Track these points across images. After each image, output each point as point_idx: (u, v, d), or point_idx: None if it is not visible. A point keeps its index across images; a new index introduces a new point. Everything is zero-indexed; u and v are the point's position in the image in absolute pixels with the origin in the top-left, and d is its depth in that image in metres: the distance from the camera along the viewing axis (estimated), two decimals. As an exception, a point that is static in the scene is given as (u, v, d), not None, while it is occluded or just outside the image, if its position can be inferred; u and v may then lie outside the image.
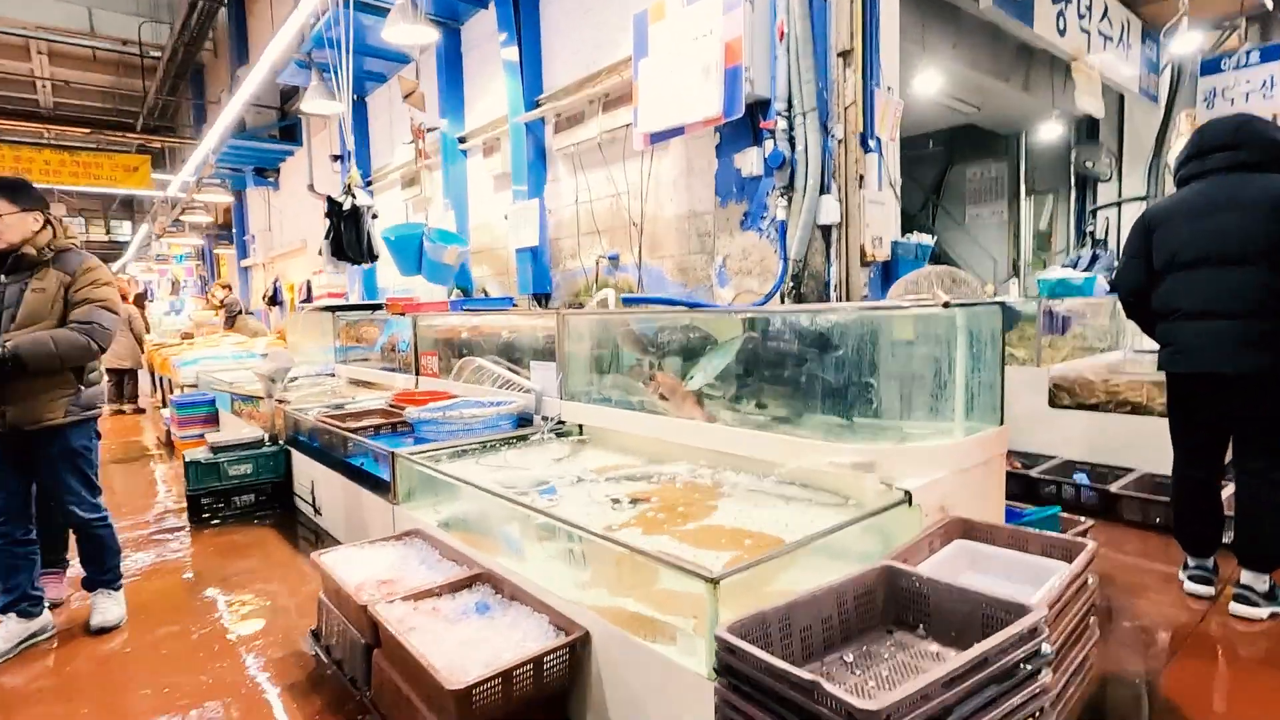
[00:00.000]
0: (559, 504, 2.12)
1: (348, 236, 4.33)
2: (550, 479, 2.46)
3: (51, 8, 14.21)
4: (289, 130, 9.38)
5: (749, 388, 2.61)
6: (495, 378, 3.85)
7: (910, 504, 1.65)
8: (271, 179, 10.34)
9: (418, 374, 4.63)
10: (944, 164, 6.96)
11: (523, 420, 3.34)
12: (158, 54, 13.14)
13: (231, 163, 10.02)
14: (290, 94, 9.21)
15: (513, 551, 2.14)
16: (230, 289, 10.20)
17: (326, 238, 4.44)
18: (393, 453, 2.81)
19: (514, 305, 5.16)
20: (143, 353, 8.67)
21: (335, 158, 8.52)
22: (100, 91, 16.16)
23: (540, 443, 3.14)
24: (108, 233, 25.47)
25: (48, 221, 2.26)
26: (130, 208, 22.69)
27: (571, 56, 4.35)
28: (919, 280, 2.88)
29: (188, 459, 3.95)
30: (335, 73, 4.57)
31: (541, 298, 4.81)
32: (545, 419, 3.33)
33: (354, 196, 4.37)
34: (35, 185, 2.42)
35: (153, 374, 7.77)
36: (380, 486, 2.91)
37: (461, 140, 5.60)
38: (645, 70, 3.36)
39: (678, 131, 3.27)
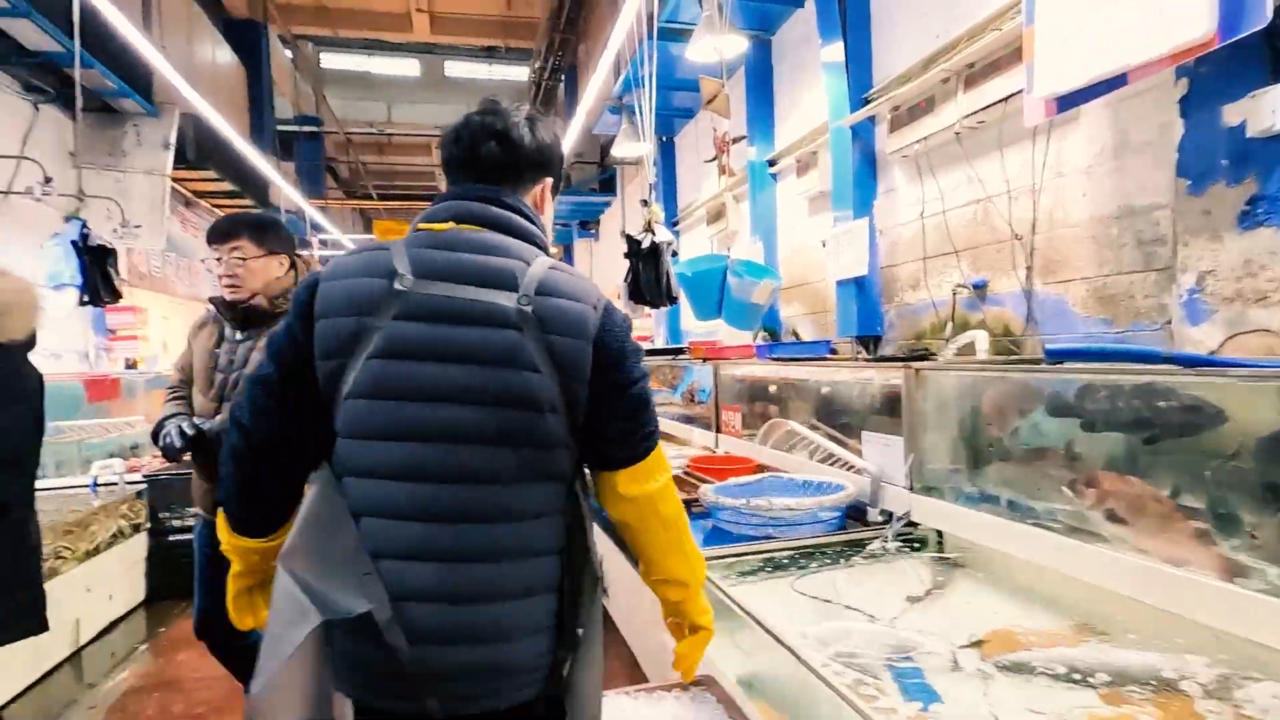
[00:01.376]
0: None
1: (645, 277, 3.91)
2: (910, 643, 1.50)
3: (443, 110, 17.68)
4: (607, 182, 9.89)
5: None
6: (812, 447, 2.97)
7: None
8: (593, 230, 11.05)
9: (718, 430, 3.97)
10: None
11: (853, 511, 2.38)
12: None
13: (561, 218, 10.96)
14: (609, 146, 9.72)
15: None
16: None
17: (625, 280, 4.08)
18: None
19: (831, 351, 4.25)
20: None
21: (643, 202, 8.66)
22: (475, 172, 19.55)
23: (883, 558, 2.15)
24: (480, 288, 31.09)
25: (293, 264, 1.97)
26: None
27: (912, 32, 3.38)
28: None
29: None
30: (640, 110, 4.26)
31: (869, 341, 3.82)
32: (885, 515, 2.33)
33: (652, 233, 3.95)
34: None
35: None
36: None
37: (771, 163, 4.94)
38: (1047, 5, 2.25)
39: (1110, 85, 2.08)
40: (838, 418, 3.00)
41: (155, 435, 1.93)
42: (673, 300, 3.97)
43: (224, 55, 9.08)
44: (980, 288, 2.98)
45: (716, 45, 3.71)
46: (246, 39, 9.77)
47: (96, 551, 3.21)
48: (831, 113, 3.86)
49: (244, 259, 1.92)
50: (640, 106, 4.23)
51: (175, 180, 7.46)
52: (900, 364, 2.46)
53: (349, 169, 17.35)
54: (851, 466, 2.70)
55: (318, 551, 0.96)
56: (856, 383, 2.93)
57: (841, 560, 2.18)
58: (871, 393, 2.77)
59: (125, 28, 3.93)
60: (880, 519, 2.52)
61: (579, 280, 1.03)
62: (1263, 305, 1.93)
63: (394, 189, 18.18)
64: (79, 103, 4.33)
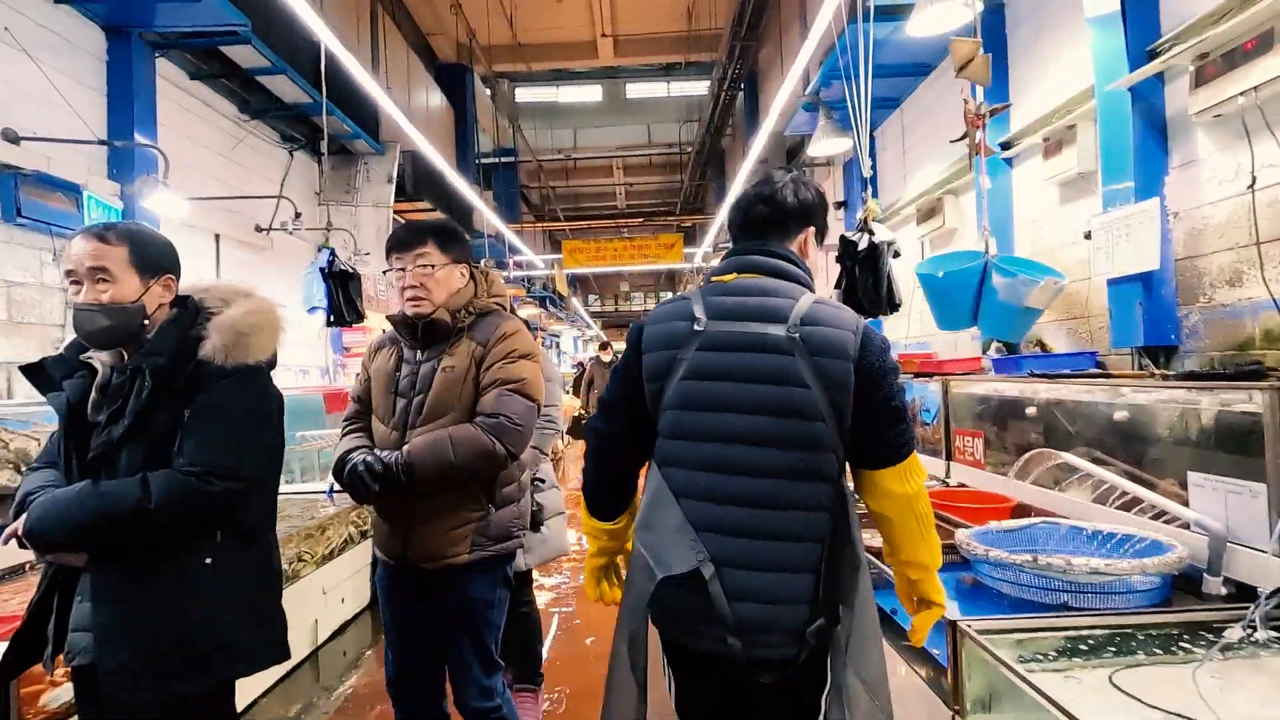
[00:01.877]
0: None
1: (863, 282, 3.46)
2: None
3: (623, 131, 18.22)
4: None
5: None
6: (1102, 489, 2.37)
7: None
8: (776, 238, 10.62)
9: (949, 458, 3.41)
10: None
11: (1180, 581, 1.82)
12: (691, 149, 15.42)
13: (743, 228, 10.66)
14: (795, 151, 9.24)
15: None
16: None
17: (838, 286, 3.66)
18: (953, 623, 1.67)
19: (1098, 365, 3.49)
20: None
21: (839, 204, 8.06)
22: (654, 190, 20.03)
23: (1243, 650, 1.58)
24: (658, 301, 31.75)
25: (472, 275, 1.80)
26: (672, 281, 27.34)
27: (1223, -41, 2.63)
28: None
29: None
30: (849, 98, 3.84)
31: (1157, 353, 3.05)
32: (1230, 588, 1.75)
33: (871, 233, 3.49)
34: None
35: None
36: (929, 665, 1.78)
37: (1005, 146, 4.24)
38: None
39: None
40: (1138, 452, 2.36)
41: (338, 471, 1.70)
42: (895, 308, 3.48)
43: (435, 97, 9.95)
44: (1358, 279, 2.19)
45: (947, 11, 3.20)
46: (454, 80, 10.68)
47: (331, 556, 3.42)
48: (1101, 74, 3.16)
49: (431, 266, 1.75)
50: (851, 95, 3.81)
51: (395, 211, 8.26)
52: (1255, 382, 1.83)
53: (539, 194, 18.48)
54: (1165, 516, 2.07)
55: (657, 525, 1.27)
56: (1167, 407, 2.28)
57: (1179, 648, 1.62)
58: (1201, 421, 2.12)
59: (363, 77, 4.28)
60: (1222, 592, 1.89)
61: (839, 310, 1.29)
62: None
63: (579, 210, 19.06)
64: (325, 146, 4.82)
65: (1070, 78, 3.58)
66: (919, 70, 5.29)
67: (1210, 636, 1.65)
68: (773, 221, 1.38)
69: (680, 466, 1.28)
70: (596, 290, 32.10)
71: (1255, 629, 1.66)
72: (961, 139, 2.64)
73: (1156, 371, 2.87)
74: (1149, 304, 2.99)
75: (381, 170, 6.55)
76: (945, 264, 2.83)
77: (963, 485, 3.26)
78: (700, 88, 15.56)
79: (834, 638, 1.25)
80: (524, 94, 17.92)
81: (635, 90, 18.39)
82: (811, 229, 1.43)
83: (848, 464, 1.30)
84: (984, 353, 4.04)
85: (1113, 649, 1.64)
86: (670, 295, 25.95)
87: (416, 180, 7.96)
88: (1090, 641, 1.67)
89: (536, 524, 2.36)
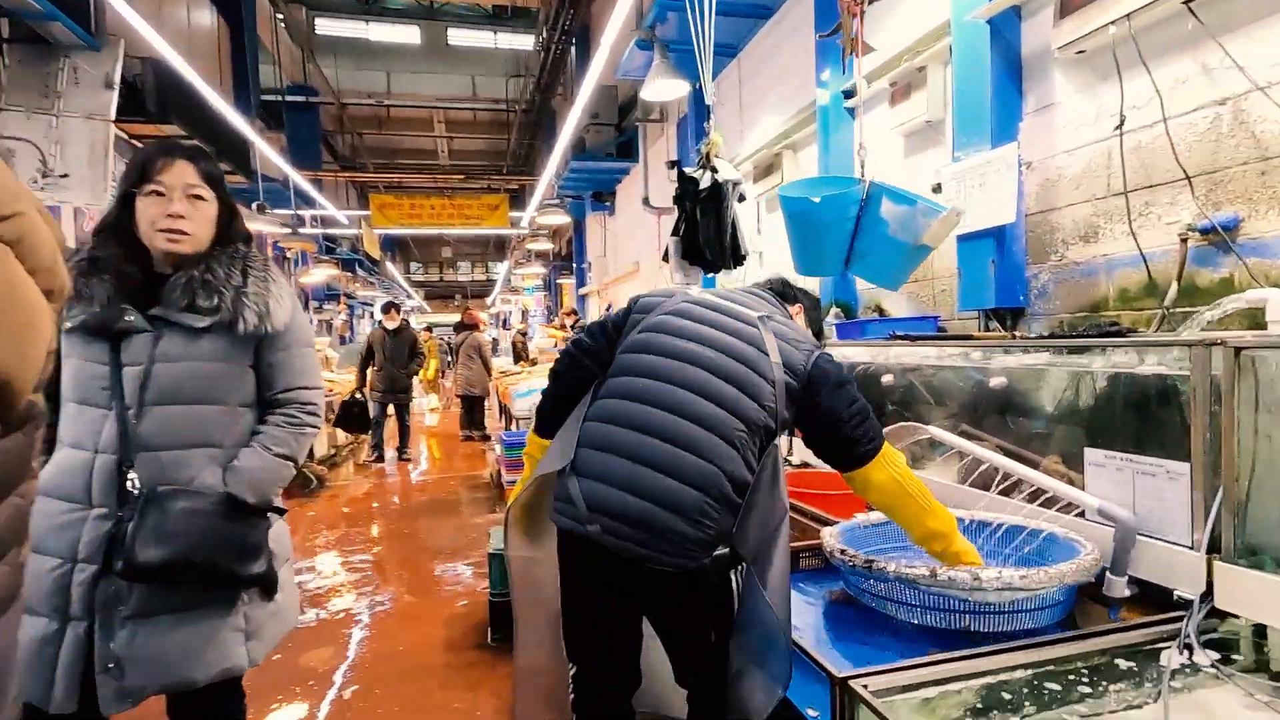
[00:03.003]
0: None
1: (705, 229, 2.92)
2: None
3: (445, 81, 16.62)
4: (625, 147, 8.86)
5: None
6: (979, 469, 2.01)
7: None
8: (608, 202, 10.04)
9: (790, 435, 2.97)
10: None
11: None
12: (522, 108, 14.36)
13: (573, 188, 9.94)
14: (629, 107, 8.69)
15: None
16: (575, 314, 10.16)
17: (675, 233, 3.10)
18: (840, 683, 1.11)
19: (939, 331, 3.25)
20: (490, 379, 8.79)
21: (671, 164, 7.62)
22: (480, 151, 18.61)
23: (1194, 682, 1.15)
24: (486, 272, 30.16)
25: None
26: (502, 250, 26.10)
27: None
28: None
29: (491, 550, 2.86)
30: (692, 29, 3.28)
31: (1005, 315, 2.83)
32: (1133, 589, 1.37)
33: (714, 170, 2.95)
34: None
35: (501, 406, 7.65)
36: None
37: (848, 95, 3.93)
38: None
39: None
40: (1018, 424, 2.02)
41: None
42: (740, 260, 2.99)
43: (203, 11, 8.14)
44: (1227, 229, 1.98)
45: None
46: (227, -9, 8.75)
47: None
48: (957, 6, 2.85)
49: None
50: (691, 20, 3.24)
51: (132, 134, 6.51)
52: (1180, 339, 1.48)
53: (348, 144, 16.35)
54: (1047, 498, 1.72)
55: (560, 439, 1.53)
56: (1048, 372, 1.95)
57: (1117, 687, 1.22)
58: (1093, 390, 1.78)
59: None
60: (1126, 594, 1.56)
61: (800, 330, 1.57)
62: None
63: (395, 166, 17.13)
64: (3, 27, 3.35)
65: (921, 14, 3.28)
66: (759, 11, 4.88)
67: (1139, 664, 1.26)
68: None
69: (613, 397, 1.43)
70: (419, 258, 29.73)
71: (1192, 649, 1.30)
72: (833, 33, 2.13)
73: (1032, 333, 2.61)
74: (1003, 263, 2.74)
75: (97, 73, 4.95)
76: (819, 188, 2.31)
77: (806, 465, 2.86)
78: (529, 41, 14.50)
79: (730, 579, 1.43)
80: (326, 25, 15.66)
81: (458, 37, 16.83)
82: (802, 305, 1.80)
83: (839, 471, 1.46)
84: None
85: (1043, 697, 1.19)
86: (500, 265, 24.61)
87: (163, 97, 6.29)
88: (1013, 690, 1.21)
89: (269, 588, 1.49)
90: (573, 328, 9.07)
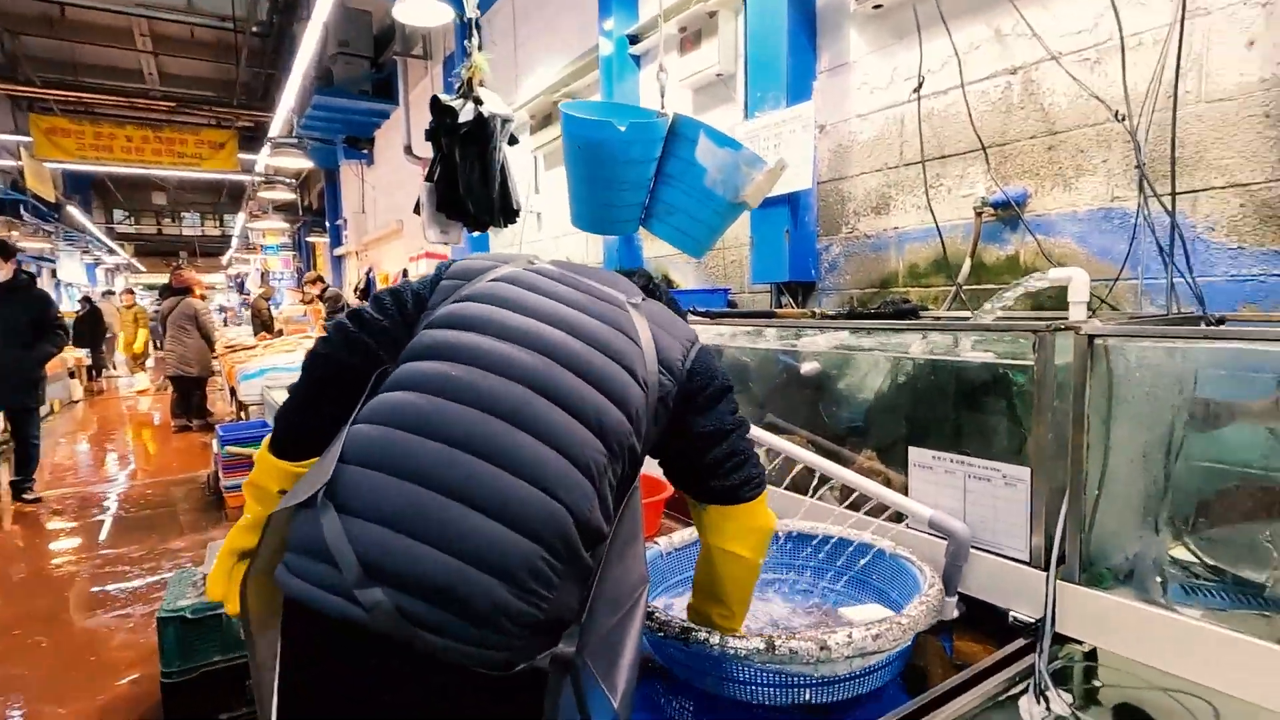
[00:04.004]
0: None
1: (467, 174, 2.33)
2: None
3: (151, -17, 13.36)
4: (384, 86, 7.69)
5: None
6: (794, 469, 1.74)
7: None
8: (365, 150, 8.76)
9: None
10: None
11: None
12: (255, 30, 12.00)
13: (320, 129, 8.47)
14: (386, 39, 7.52)
15: None
16: (323, 282, 8.73)
17: (430, 179, 2.45)
18: None
19: (730, 304, 3.04)
20: (214, 355, 7.22)
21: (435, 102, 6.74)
22: (202, 80, 15.38)
23: None
24: (221, 226, 25.61)
25: None
26: (238, 201, 22.37)
27: None
28: None
29: (162, 613, 2.04)
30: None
31: (797, 289, 2.66)
32: (961, 608, 1.11)
33: (478, 101, 2.36)
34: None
35: (231, 389, 6.16)
36: None
37: (634, 40, 3.54)
38: None
39: None
40: (831, 417, 1.77)
41: None
42: (512, 217, 2.45)
43: None
44: (1019, 203, 1.91)
45: None
46: None
47: None
48: (753, -57, 2.56)
49: None
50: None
51: None
52: (1034, 326, 1.28)
53: (3, 51, 12.43)
54: (853, 497, 1.49)
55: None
56: (860, 358, 1.72)
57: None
58: (917, 377, 1.57)
59: None
60: (955, 615, 1.36)
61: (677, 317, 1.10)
62: None
63: (78, 85, 13.46)
64: None
65: (711, -45, 2.96)
66: (535, -64, 4.29)
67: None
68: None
69: (406, 389, 0.88)
70: (126, 205, 24.31)
71: (1046, 693, 1.10)
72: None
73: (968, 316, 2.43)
74: (797, 233, 2.55)
75: None
76: (620, 115, 1.77)
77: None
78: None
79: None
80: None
81: (165, -70, 13.57)
82: None
83: (696, 503, 1.07)
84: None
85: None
86: (235, 218, 20.90)
87: None
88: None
89: None
90: (323, 300, 7.76)
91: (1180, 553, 1.16)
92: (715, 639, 1.01)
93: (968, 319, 1.56)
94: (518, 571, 0.77)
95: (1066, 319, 1.57)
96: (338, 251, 10.64)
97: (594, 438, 0.85)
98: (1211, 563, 1.15)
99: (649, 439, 0.95)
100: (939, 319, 1.66)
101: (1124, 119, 1.68)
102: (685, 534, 1.52)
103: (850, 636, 0.99)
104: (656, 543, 1.48)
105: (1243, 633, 1.00)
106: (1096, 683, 1.18)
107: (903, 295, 2.28)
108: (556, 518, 0.80)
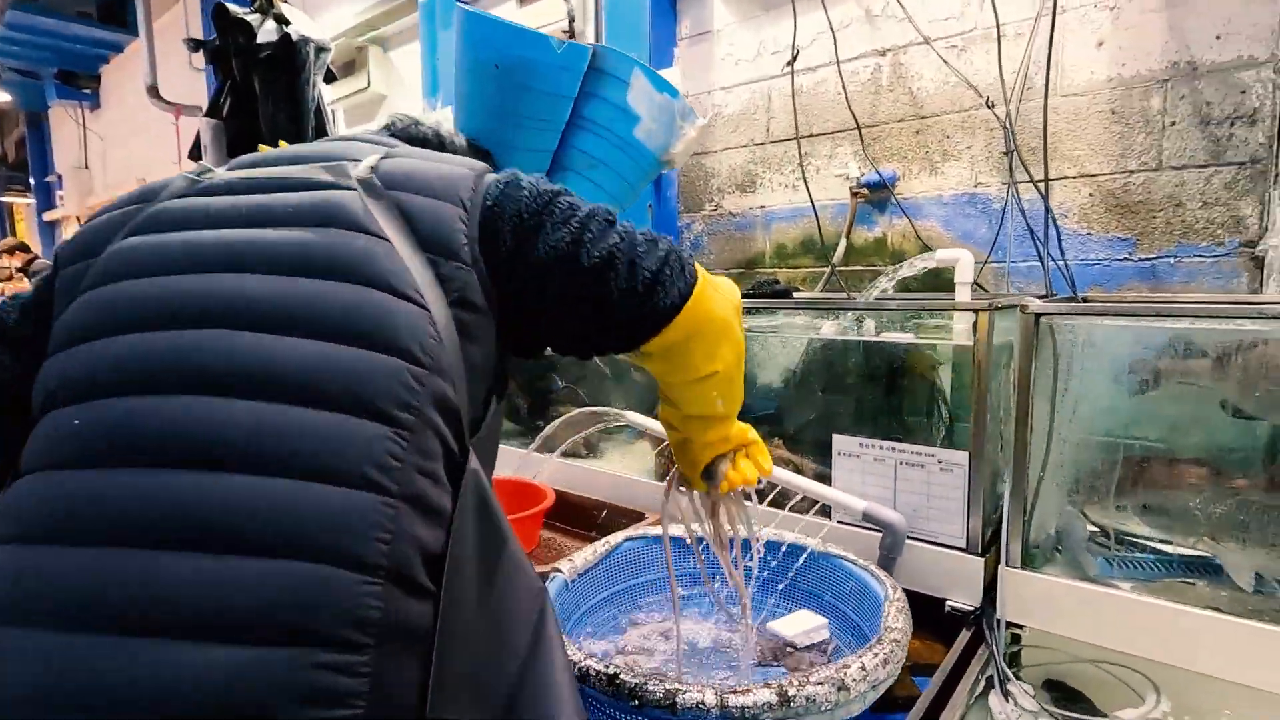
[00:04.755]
0: None
1: (269, 110, 1.82)
2: None
3: None
4: (113, 10, 6.18)
5: None
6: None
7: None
8: (88, 90, 7.03)
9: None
10: None
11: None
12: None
13: (21, 57, 6.62)
14: (116, -49, 6.03)
15: None
16: (26, 252, 6.91)
17: (212, 113, 1.89)
18: None
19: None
20: None
21: (195, 44, 5.55)
22: None
23: None
24: None
25: None
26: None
27: None
28: None
29: None
30: None
31: (657, 270, 2.51)
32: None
33: (284, 21, 1.86)
34: None
35: None
36: None
37: (460, -16, 3.12)
38: None
39: None
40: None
41: None
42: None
43: None
44: (890, 184, 1.93)
45: None
46: None
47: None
48: (611, -115, 2.33)
49: None
50: None
51: None
52: (974, 304, 1.24)
53: None
54: (778, 501, 1.39)
55: None
56: (768, 339, 1.62)
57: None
58: (826, 359, 1.48)
59: None
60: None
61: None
62: None
63: None
64: None
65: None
66: None
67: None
68: None
69: (57, 433, 0.57)
70: None
71: (1008, 691, 1.06)
72: None
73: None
74: (659, 210, 2.40)
75: None
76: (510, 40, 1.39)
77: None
78: None
79: None
80: None
81: None
82: None
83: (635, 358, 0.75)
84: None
85: None
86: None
87: None
88: None
89: None
90: (27, 274, 6.12)
91: (1118, 525, 1.19)
92: (709, 698, 0.80)
93: (890, 299, 1.51)
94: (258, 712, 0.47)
95: (953, 299, 1.59)
96: (49, 216, 8.50)
97: (362, 419, 0.54)
98: (1145, 535, 1.20)
99: (475, 364, 0.64)
100: (850, 298, 1.60)
101: (993, 106, 1.74)
102: (587, 553, 1.29)
103: (864, 668, 0.84)
104: (559, 570, 1.23)
105: (1175, 602, 1.03)
106: (1033, 664, 1.18)
107: (771, 276, 2.24)
108: (323, 586, 0.50)
